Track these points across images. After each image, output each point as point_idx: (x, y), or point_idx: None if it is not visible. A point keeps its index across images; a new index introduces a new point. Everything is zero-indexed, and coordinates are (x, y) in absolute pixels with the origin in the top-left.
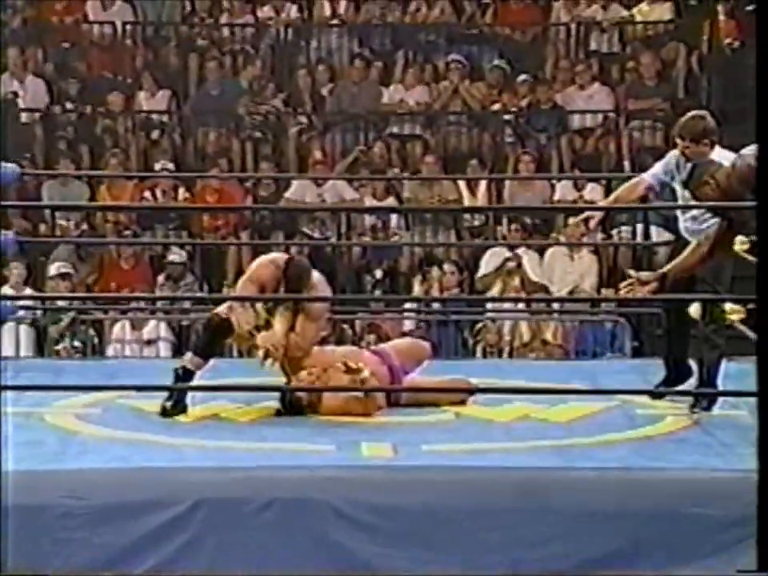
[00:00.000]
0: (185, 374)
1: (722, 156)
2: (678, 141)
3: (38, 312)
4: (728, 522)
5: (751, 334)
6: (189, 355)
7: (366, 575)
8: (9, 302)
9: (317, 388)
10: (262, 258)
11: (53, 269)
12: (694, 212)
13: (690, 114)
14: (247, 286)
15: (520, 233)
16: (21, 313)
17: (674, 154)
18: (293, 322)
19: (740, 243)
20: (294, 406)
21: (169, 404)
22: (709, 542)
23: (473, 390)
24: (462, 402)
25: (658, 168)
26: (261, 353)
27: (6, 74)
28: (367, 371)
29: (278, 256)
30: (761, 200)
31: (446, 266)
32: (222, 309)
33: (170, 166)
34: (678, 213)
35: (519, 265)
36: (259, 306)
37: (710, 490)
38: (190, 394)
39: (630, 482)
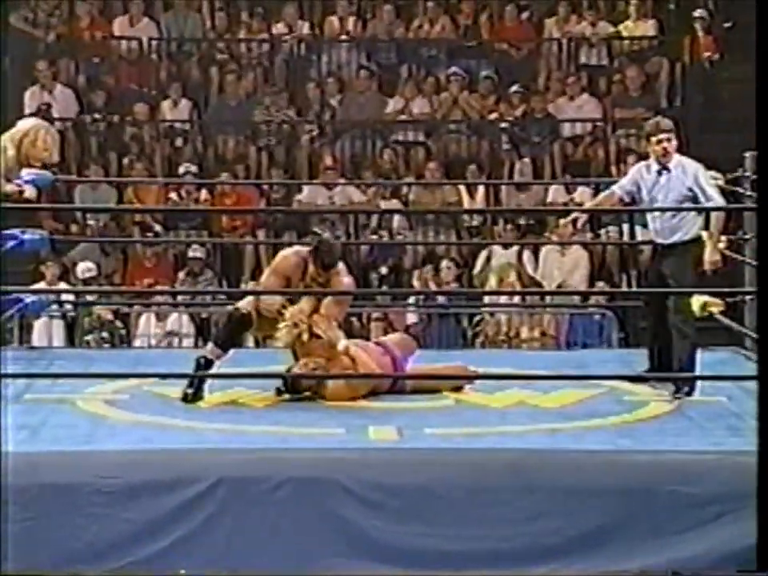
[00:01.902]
0: (206, 363)
1: (682, 162)
2: (653, 140)
3: (69, 306)
4: (706, 499)
5: (733, 325)
6: (210, 346)
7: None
8: (44, 297)
9: (317, 375)
10: (286, 251)
11: (79, 271)
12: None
13: (657, 117)
14: (272, 277)
15: (515, 233)
16: (54, 307)
17: (638, 167)
18: (317, 305)
19: (716, 306)
20: (294, 387)
21: (190, 391)
22: (688, 517)
23: (471, 377)
24: (461, 388)
25: (625, 181)
26: (289, 324)
27: (36, 86)
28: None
29: (301, 248)
30: (761, 200)
31: (443, 263)
32: (243, 303)
33: (194, 168)
34: (648, 217)
35: (519, 261)
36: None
37: (689, 470)
38: (208, 382)
39: (616, 462)
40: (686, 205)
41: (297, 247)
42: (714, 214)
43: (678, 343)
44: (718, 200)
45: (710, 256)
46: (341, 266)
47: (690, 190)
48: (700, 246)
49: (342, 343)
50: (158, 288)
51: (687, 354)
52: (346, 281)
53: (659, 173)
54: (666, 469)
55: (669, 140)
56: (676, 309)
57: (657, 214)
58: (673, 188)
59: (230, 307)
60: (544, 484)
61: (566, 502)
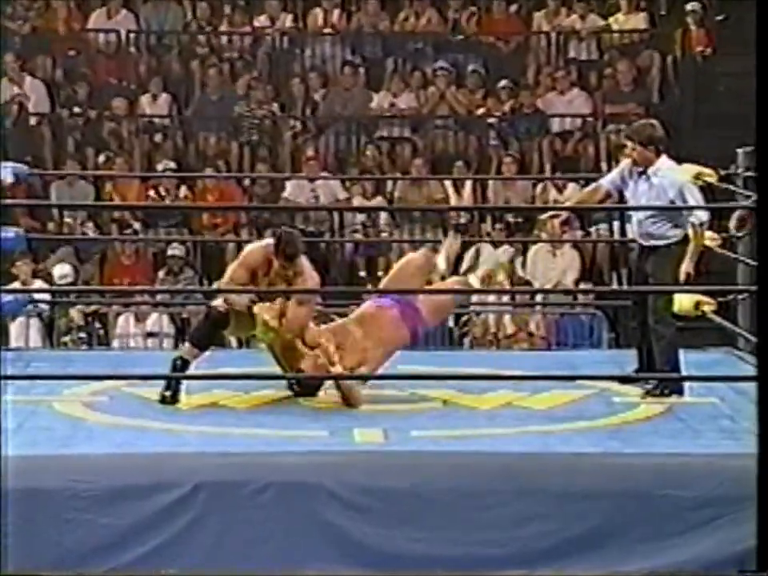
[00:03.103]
0: (182, 364)
1: (666, 165)
2: (629, 143)
3: (46, 305)
4: (698, 503)
5: (727, 324)
6: (186, 346)
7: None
8: (20, 297)
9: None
10: (253, 244)
11: (56, 273)
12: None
13: (642, 121)
14: (237, 270)
15: (504, 231)
16: (29, 306)
17: (627, 162)
18: (285, 303)
19: (711, 239)
20: (305, 386)
21: (168, 393)
22: (680, 521)
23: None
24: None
25: (614, 175)
26: (265, 316)
27: (4, 79)
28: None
29: (267, 241)
30: (761, 199)
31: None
32: (219, 302)
33: (172, 165)
34: (634, 218)
35: (509, 260)
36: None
37: (682, 473)
38: (188, 383)
39: (607, 465)
40: (665, 214)
41: (266, 241)
42: (695, 227)
43: (654, 345)
44: (701, 215)
45: (685, 266)
46: (305, 263)
47: (673, 202)
48: (683, 248)
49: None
50: (140, 287)
51: (665, 356)
52: (310, 282)
53: (639, 176)
54: (658, 472)
55: (633, 149)
56: (652, 310)
57: (635, 217)
58: (653, 196)
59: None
60: (533, 487)
61: (555, 506)
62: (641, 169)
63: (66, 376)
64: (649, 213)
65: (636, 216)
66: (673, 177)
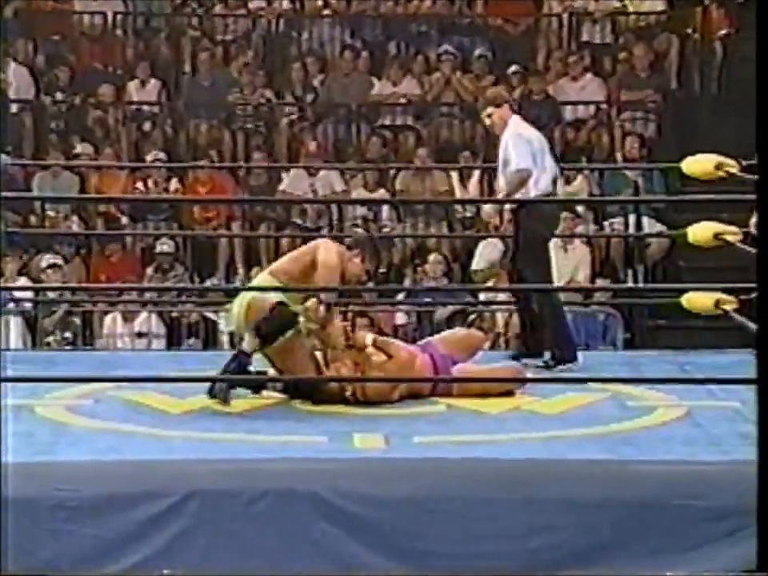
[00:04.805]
0: (246, 359)
1: (520, 126)
2: (484, 113)
3: (29, 303)
4: (716, 514)
5: (749, 324)
6: (251, 338)
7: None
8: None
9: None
10: (326, 245)
11: (43, 261)
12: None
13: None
14: (334, 274)
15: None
16: (11, 305)
17: (534, 137)
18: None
19: (732, 234)
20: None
21: (222, 393)
22: (697, 533)
23: (520, 380)
24: (512, 392)
25: (527, 155)
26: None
27: None
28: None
29: (328, 241)
30: (761, 199)
31: (432, 257)
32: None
33: (162, 156)
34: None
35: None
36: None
37: (699, 482)
38: (184, 386)
39: (620, 472)
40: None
41: (330, 242)
42: (507, 177)
43: (537, 315)
44: (516, 164)
45: (488, 209)
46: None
47: (505, 151)
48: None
49: (370, 337)
50: (128, 285)
51: (550, 324)
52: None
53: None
54: (674, 480)
55: (489, 116)
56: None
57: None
58: (501, 156)
59: (269, 299)
60: (542, 496)
61: (565, 517)
62: (500, 133)
63: (49, 378)
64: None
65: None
66: (513, 129)
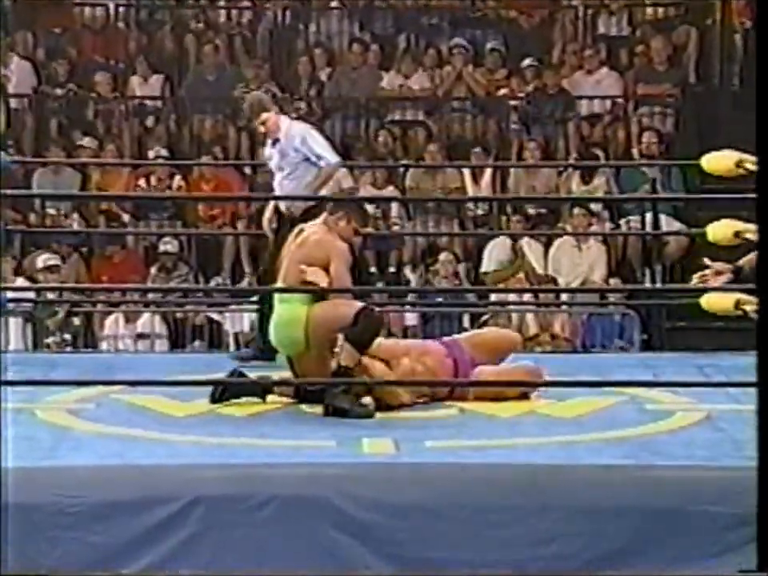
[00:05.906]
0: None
1: (294, 128)
2: (257, 121)
3: (28, 304)
4: (737, 521)
5: None
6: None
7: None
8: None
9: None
10: (339, 242)
11: (40, 261)
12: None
13: (249, 96)
14: (346, 272)
15: (522, 223)
16: (10, 305)
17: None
18: None
19: (753, 232)
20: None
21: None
22: (717, 540)
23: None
24: (527, 395)
25: (326, 151)
26: None
27: None
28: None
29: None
30: (761, 199)
31: (442, 256)
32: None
33: (164, 152)
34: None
35: (524, 256)
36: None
37: (720, 488)
38: (188, 389)
39: (638, 478)
40: (303, 166)
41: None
42: (320, 170)
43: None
44: (329, 158)
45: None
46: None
47: (297, 150)
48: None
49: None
50: (130, 285)
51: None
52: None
53: (273, 145)
54: (695, 486)
55: (263, 123)
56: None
57: (277, 184)
58: (284, 155)
59: (353, 307)
60: (558, 503)
61: (581, 523)
62: (276, 136)
63: (50, 381)
64: (285, 173)
65: (275, 181)
66: (296, 127)
